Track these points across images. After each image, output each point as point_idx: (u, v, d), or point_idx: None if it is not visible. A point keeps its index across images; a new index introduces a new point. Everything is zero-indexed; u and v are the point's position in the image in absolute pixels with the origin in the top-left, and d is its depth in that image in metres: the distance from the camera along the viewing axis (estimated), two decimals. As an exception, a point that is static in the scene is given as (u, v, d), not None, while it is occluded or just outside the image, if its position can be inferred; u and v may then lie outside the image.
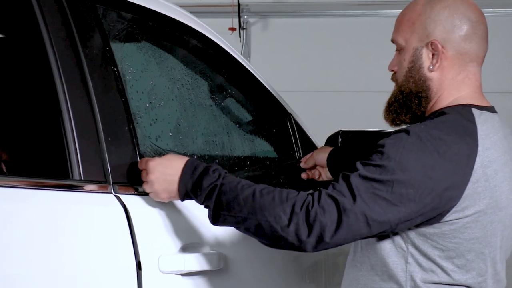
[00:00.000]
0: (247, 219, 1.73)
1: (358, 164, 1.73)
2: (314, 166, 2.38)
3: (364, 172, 1.71)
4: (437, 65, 1.84)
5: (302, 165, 2.41)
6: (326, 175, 2.35)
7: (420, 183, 1.69)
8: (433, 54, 1.84)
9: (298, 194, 1.73)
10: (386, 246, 1.80)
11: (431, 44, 1.83)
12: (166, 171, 1.82)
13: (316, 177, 2.38)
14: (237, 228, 1.79)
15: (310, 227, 1.68)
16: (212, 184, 1.78)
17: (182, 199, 1.85)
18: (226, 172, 1.81)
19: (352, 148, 2.28)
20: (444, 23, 1.82)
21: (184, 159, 1.84)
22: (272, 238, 1.73)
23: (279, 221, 1.70)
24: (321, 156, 2.34)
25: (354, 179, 1.71)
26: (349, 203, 1.68)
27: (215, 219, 1.78)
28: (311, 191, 1.78)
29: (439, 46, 1.82)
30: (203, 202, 1.80)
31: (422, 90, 1.86)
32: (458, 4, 1.84)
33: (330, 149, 2.33)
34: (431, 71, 1.85)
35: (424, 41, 1.84)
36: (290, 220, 1.69)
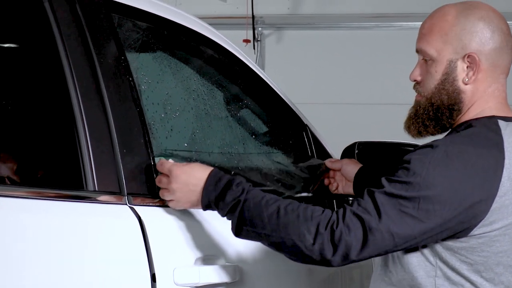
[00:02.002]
0: (270, 236, 1.72)
1: (384, 181, 1.71)
2: (337, 171, 2.34)
3: (390, 189, 1.68)
4: (472, 77, 1.80)
5: (327, 163, 2.36)
6: (343, 188, 2.32)
7: (447, 198, 1.67)
8: (467, 67, 1.80)
9: (323, 212, 1.71)
10: (414, 260, 1.78)
11: (468, 57, 1.79)
12: (189, 180, 1.81)
13: (333, 188, 2.35)
14: (261, 242, 1.77)
15: (335, 247, 1.67)
16: (236, 200, 1.76)
17: (204, 209, 1.83)
18: (250, 185, 1.79)
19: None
20: (480, 35, 1.79)
21: (208, 170, 1.82)
22: (296, 255, 1.72)
23: (303, 240, 1.68)
24: (350, 168, 2.29)
25: (380, 196, 1.68)
26: (374, 221, 1.66)
27: (238, 232, 1.77)
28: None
29: (477, 59, 1.79)
30: (226, 215, 1.79)
31: (455, 103, 1.82)
32: (491, 15, 1.81)
33: (359, 165, 2.29)
34: (466, 83, 1.81)
35: (459, 54, 1.80)
36: (314, 239, 1.68)
